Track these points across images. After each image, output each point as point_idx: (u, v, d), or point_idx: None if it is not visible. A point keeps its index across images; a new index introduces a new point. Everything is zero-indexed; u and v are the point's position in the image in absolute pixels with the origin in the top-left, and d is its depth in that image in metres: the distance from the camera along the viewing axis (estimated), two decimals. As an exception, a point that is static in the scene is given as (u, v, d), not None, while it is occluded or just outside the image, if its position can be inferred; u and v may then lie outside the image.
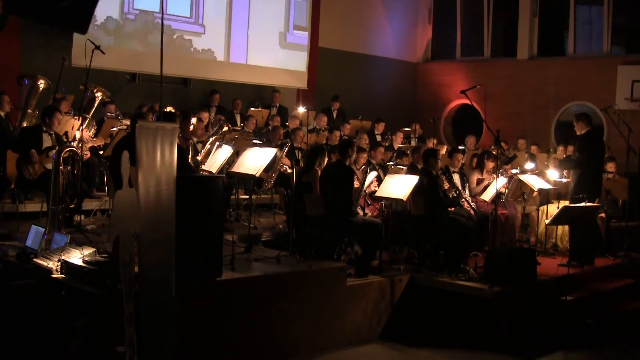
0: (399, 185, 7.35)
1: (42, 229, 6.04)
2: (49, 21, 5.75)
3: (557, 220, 7.75)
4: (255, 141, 8.98)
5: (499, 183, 8.04)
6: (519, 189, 8.99)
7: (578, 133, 8.61)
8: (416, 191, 7.43)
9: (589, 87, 13.47)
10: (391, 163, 9.56)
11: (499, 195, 8.18)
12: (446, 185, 7.97)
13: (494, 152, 8.57)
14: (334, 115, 12.94)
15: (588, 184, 8.35)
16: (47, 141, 7.54)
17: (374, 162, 8.98)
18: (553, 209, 8.80)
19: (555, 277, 7.58)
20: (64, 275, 5.36)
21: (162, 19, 5.40)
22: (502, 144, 9.77)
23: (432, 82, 15.69)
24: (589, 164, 8.41)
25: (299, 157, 9.56)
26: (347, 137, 10.76)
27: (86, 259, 5.31)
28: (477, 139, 12.74)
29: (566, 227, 8.77)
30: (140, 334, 4.59)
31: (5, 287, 5.68)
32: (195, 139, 8.56)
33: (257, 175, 6.94)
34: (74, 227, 7.12)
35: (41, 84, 8.68)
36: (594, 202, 8.16)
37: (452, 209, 8.05)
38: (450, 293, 7.08)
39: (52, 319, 5.35)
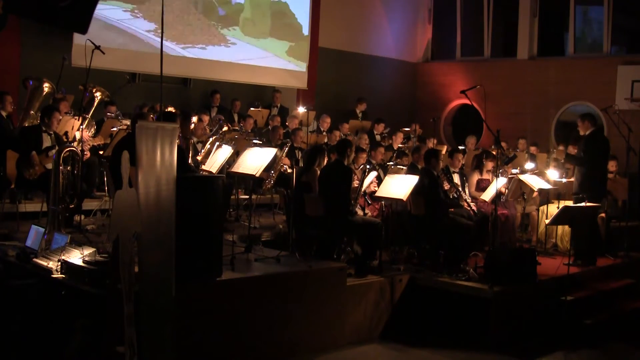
0: (399, 185, 7.35)
1: (42, 229, 6.04)
2: (49, 21, 5.75)
3: (557, 220, 7.76)
4: (255, 141, 8.98)
5: (499, 183, 8.04)
6: (519, 189, 8.98)
7: (582, 133, 8.62)
8: (416, 191, 7.43)
9: (589, 87, 13.47)
10: (391, 163, 9.56)
11: (499, 195, 8.18)
12: (447, 186, 7.98)
13: (494, 152, 8.56)
14: (360, 118, 12.93)
15: (592, 184, 8.36)
16: (46, 141, 7.54)
17: (374, 162, 8.98)
18: (553, 209, 8.80)
19: (555, 277, 7.58)
20: (64, 275, 5.37)
21: (162, 18, 5.39)
22: (502, 144, 9.77)
23: (432, 82, 15.68)
24: (592, 163, 8.42)
25: (299, 157, 9.56)
26: (344, 137, 10.77)
27: (86, 259, 5.31)
28: (477, 139, 12.74)
29: (566, 227, 8.76)
30: (140, 334, 4.59)
31: (5, 287, 5.68)
32: (195, 139, 8.56)
33: (257, 175, 6.94)
34: (74, 227, 7.12)
35: (46, 87, 8.68)
36: (598, 202, 8.16)
37: (452, 209, 8.05)
38: (450, 293, 7.08)
39: (52, 319, 5.36)
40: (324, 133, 11.26)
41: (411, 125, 12.60)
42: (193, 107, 11.05)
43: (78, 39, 9.37)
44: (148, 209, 4.61)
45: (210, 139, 8.84)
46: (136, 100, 10.26)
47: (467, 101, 8.79)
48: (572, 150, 10.40)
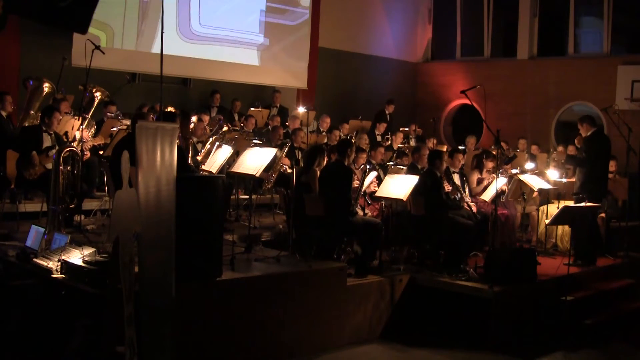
0: (399, 185, 7.35)
1: (42, 229, 6.03)
2: (49, 21, 5.76)
3: (557, 220, 7.77)
4: (255, 141, 8.98)
5: (499, 183, 8.04)
6: (519, 189, 8.99)
7: (583, 135, 8.64)
8: (417, 191, 7.43)
9: (589, 87, 13.46)
10: (391, 163, 9.56)
11: (499, 195, 8.18)
12: (448, 187, 7.95)
13: (494, 152, 8.57)
14: (388, 119, 12.93)
15: (593, 184, 8.37)
16: (46, 141, 7.54)
17: (374, 162, 8.98)
18: (553, 209, 8.81)
19: (555, 277, 7.58)
20: (64, 275, 5.36)
21: (162, 18, 5.39)
22: (502, 144, 9.77)
23: (432, 82, 15.68)
24: (594, 164, 8.43)
25: (299, 157, 9.56)
26: (345, 137, 10.78)
27: (86, 259, 5.31)
28: (477, 139, 12.74)
29: (566, 227, 8.77)
30: (140, 334, 4.59)
31: (5, 287, 5.68)
32: (195, 139, 8.56)
33: (257, 175, 6.94)
34: (74, 227, 7.12)
35: (46, 87, 8.68)
36: (598, 202, 8.17)
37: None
38: (450, 293, 7.08)
39: (52, 319, 5.36)
40: (324, 133, 11.26)
41: (411, 125, 12.61)
42: (193, 107, 11.05)
43: (78, 39, 9.36)
44: (148, 209, 4.61)
45: (210, 139, 8.84)
46: (136, 100, 10.26)
47: (467, 101, 8.79)
48: (572, 150, 10.42)
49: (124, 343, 4.58)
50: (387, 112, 13.16)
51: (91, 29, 9.95)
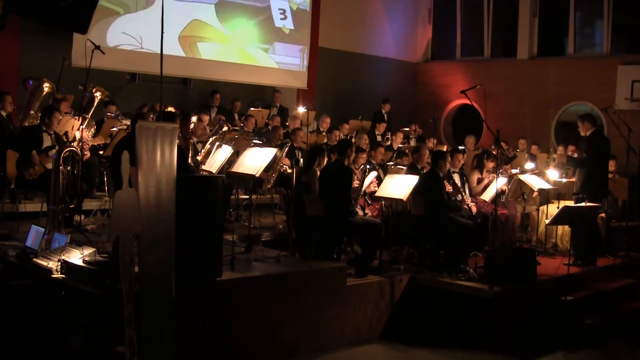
0: (399, 185, 7.35)
1: (42, 229, 6.04)
2: (49, 21, 5.76)
3: (557, 220, 7.77)
4: (255, 141, 8.98)
5: (499, 183, 8.04)
6: (519, 189, 8.99)
7: (583, 134, 8.63)
8: (417, 191, 7.43)
9: (589, 87, 13.47)
10: (391, 163, 9.56)
11: (499, 195, 8.18)
12: (449, 188, 7.95)
13: (494, 152, 8.57)
14: (385, 118, 12.92)
15: (593, 184, 8.37)
16: (46, 141, 7.54)
17: (374, 162, 8.98)
18: (553, 209, 8.81)
19: (555, 277, 7.58)
20: (64, 275, 5.36)
21: (162, 17, 5.38)
22: (502, 144, 9.77)
23: (432, 82, 15.68)
24: (593, 164, 8.43)
25: (299, 157, 9.56)
26: (345, 137, 10.78)
27: (86, 259, 5.31)
28: (477, 139, 12.74)
29: (566, 227, 8.77)
30: (140, 334, 4.59)
31: (5, 287, 5.68)
32: (195, 139, 8.56)
33: (257, 175, 6.94)
34: (74, 227, 7.12)
35: (46, 87, 8.68)
36: (598, 203, 8.17)
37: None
38: (450, 293, 7.08)
39: (52, 319, 5.36)
40: (324, 133, 11.26)
41: (411, 125, 12.61)
42: (193, 107, 11.05)
43: (78, 39, 9.36)
44: (148, 209, 4.61)
45: (210, 139, 8.84)
46: (136, 100, 10.26)
47: (467, 101, 8.79)
48: (572, 149, 10.43)
49: (124, 343, 4.58)
50: (383, 111, 13.17)
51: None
